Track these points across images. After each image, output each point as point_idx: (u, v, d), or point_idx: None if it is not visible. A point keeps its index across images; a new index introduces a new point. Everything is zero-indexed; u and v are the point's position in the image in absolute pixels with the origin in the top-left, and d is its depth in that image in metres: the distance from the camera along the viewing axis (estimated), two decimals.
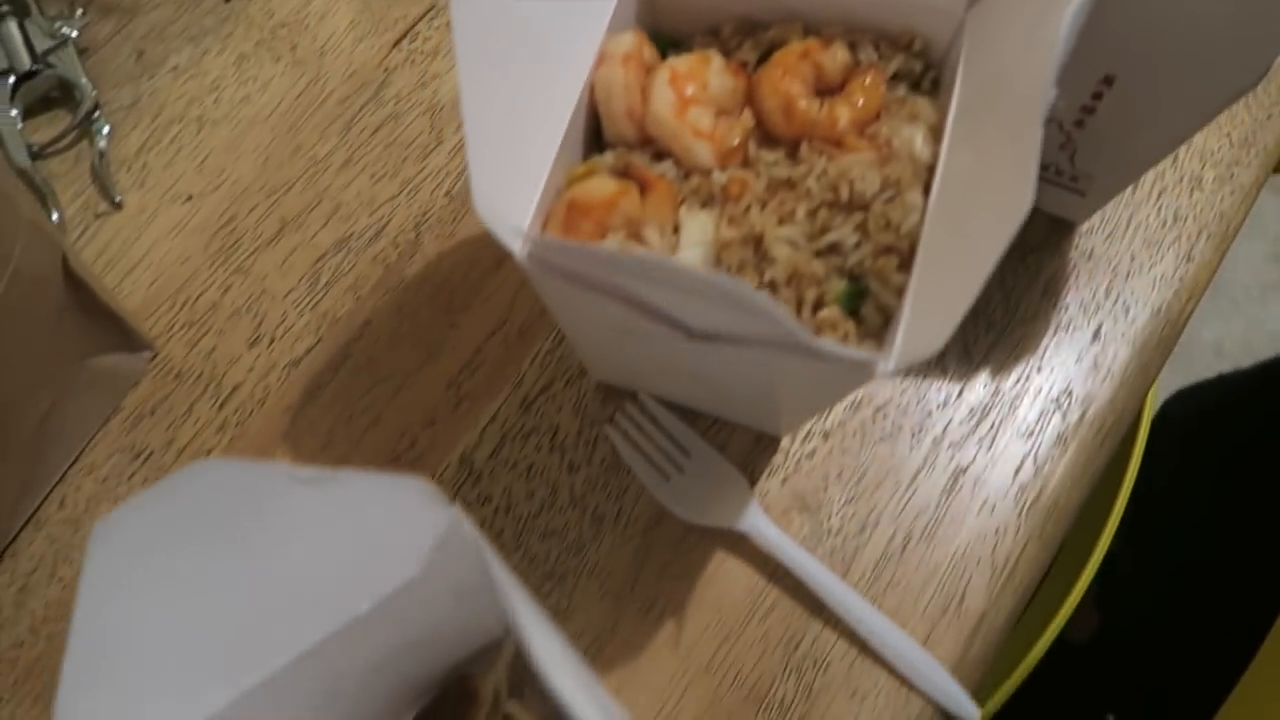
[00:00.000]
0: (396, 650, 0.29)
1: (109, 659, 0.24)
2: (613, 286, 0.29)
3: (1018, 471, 0.40)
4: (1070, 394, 0.41)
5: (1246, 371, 0.72)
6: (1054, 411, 0.41)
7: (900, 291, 0.31)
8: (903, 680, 0.36)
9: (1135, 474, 0.59)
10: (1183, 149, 0.45)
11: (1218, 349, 1.27)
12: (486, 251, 0.44)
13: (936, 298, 0.28)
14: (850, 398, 0.41)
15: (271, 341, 0.42)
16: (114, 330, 0.40)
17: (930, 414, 0.41)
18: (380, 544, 0.26)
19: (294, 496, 0.25)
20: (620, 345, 0.34)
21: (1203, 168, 0.45)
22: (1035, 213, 0.44)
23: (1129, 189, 0.44)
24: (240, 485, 0.25)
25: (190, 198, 0.45)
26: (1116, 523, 0.59)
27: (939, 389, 0.41)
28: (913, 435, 0.40)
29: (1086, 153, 0.38)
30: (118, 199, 0.44)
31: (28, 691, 0.37)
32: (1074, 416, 0.41)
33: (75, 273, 0.36)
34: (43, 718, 0.37)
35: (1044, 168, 0.40)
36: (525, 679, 0.34)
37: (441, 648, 0.32)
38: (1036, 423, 0.40)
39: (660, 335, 0.30)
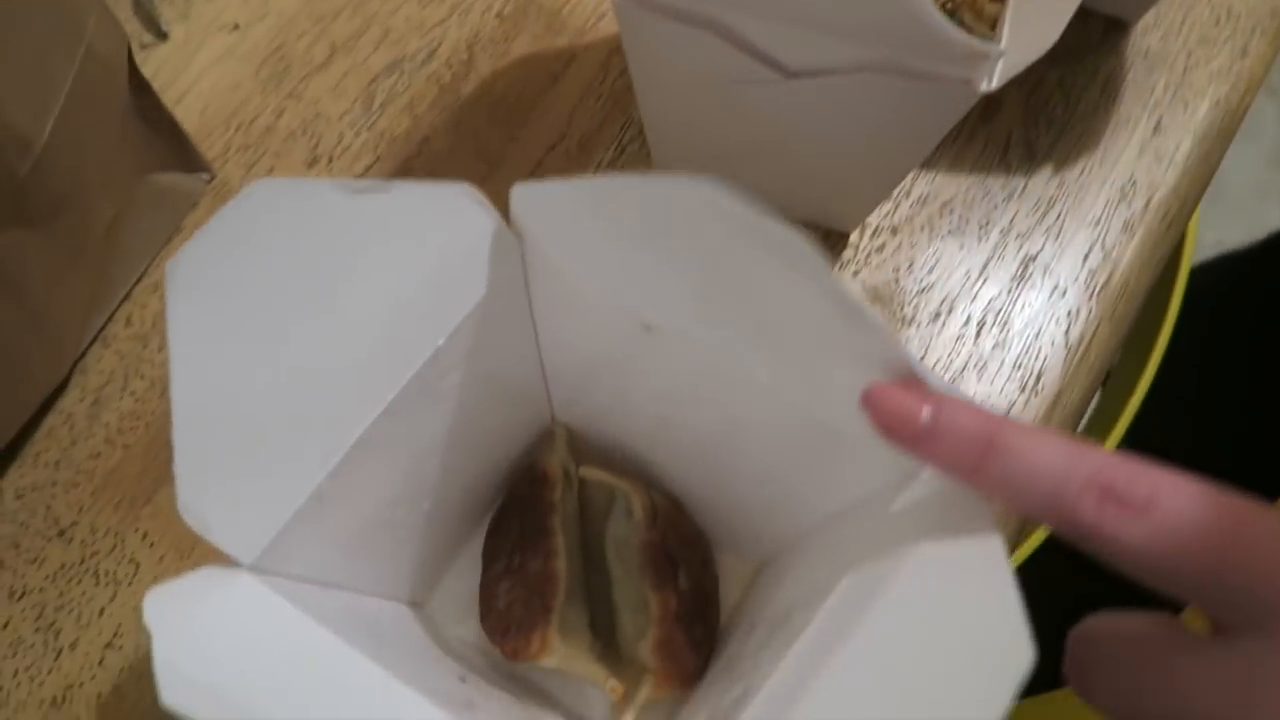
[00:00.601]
0: (466, 412, 0.29)
1: (214, 434, 0.23)
2: (710, 19, 0.29)
3: (1086, 257, 0.40)
4: (1134, 183, 0.41)
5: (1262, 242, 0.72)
6: (1119, 201, 0.41)
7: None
8: None
9: (1170, 330, 0.60)
10: None
11: (1219, 249, 1.28)
12: (542, 69, 0.43)
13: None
14: (916, 193, 0.41)
15: (330, 160, 0.42)
16: (173, 147, 0.39)
17: (996, 207, 0.41)
18: (440, 263, 0.26)
19: (349, 213, 0.24)
20: (701, 110, 0.34)
21: None
22: (1090, 14, 0.44)
23: None
24: (298, 205, 0.24)
25: (237, 26, 0.44)
26: (1147, 385, 0.60)
27: (1004, 184, 0.41)
28: (980, 228, 0.40)
29: None
30: (164, 29, 0.43)
31: (107, 500, 0.37)
32: (1139, 204, 0.41)
33: (139, 72, 0.36)
34: (123, 524, 0.36)
35: None
36: (584, 453, 0.34)
37: (498, 428, 0.32)
38: (1102, 211, 0.41)
39: (755, 77, 0.30)
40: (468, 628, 0.33)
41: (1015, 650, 0.17)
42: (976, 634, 0.18)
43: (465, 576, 0.34)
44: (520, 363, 0.31)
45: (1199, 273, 0.67)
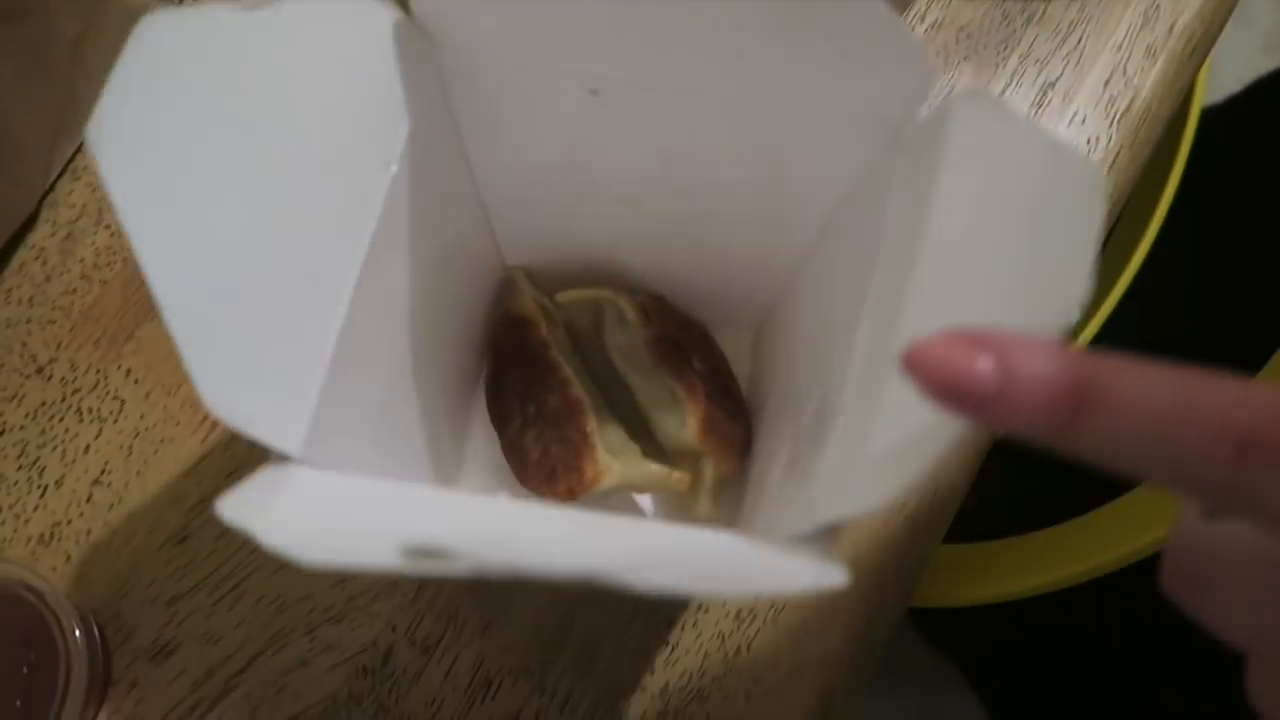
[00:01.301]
0: (425, 264, 0.26)
1: (213, 315, 0.19)
2: None
3: (1107, 83, 0.38)
4: (1158, 7, 0.39)
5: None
6: (1142, 25, 0.39)
7: None
8: None
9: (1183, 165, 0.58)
10: None
11: None
12: None
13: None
14: (931, 18, 0.39)
15: None
16: None
17: (1015, 32, 0.39)
18: (361, 80, 0.22)
19: (256, 38, 0.21)
20: None
21: None
22: None
23: None
24: (198, 40, 0.20)
25: None
26: (1160, 223, 0.59)
27: (1022, 8, 0.39)
28: (997, 53, 0.39)
29: None
30: None
31: (87, 337, 0.35)
32: (1163, 28, 0.39)
33: None
34: (104, 360, 0.35)
35: None
36: (548, 285, 0.33)
37: (454, 286, 0.30)
38: (1124, 36, 0.39)
39: None
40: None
41: (1088, 197, 0.16)
42: (1040, 192, 0.17)
43: (481, 455, 0.32)
44: (461, 205, 0.29)
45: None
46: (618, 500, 0.31)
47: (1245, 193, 0.58)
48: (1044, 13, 0.39)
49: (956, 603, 0.38)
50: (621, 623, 0.33)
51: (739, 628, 0.33)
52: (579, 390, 0.29)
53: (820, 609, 0.33)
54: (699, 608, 0.33)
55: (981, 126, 0.20)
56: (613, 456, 0.27)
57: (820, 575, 0.17)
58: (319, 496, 0.20)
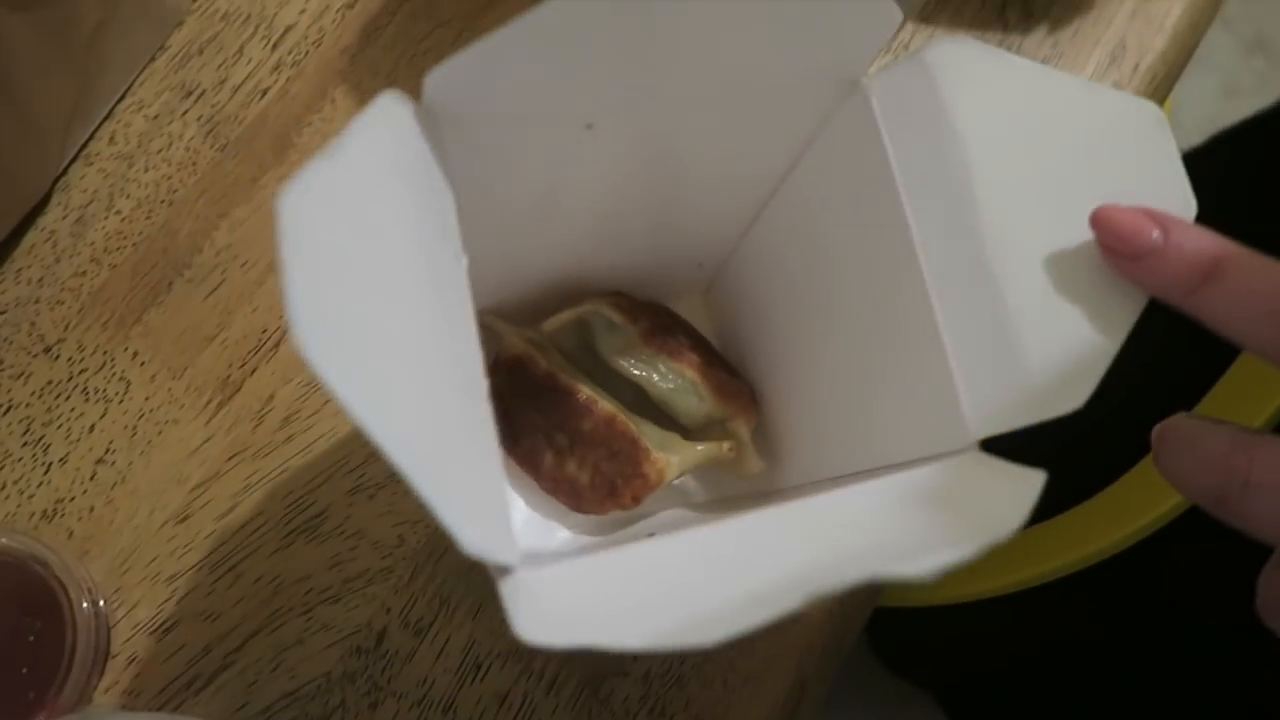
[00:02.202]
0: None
1: (429, 447, 0.19)
2: None
3: None
4: (1124, 46, 0.42)
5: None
6: (1109, 63, 0.42)
7: None
8: None
9: None
10: None
11: None
12: None
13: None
14: (914, 47, 0.41)
15: None
16: None
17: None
18: (424, 193, 0.22)
19: (356, 193, 0.20)
20: None
21: None
22: None
23: None
24: (333, 211, 0.19)
25: None
26: None
27: (1000, 41, 0.42)
28: None
29: None
30: None
31: (95, 319, 0.36)
32: (1128, 66, 0.42)
33: None
34: (111, 342, 0.36)
35: None
36: (516, 318, 0.34)
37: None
38: (1093, 72, 0.41)
39: None
40: (559, 537, 0.32)
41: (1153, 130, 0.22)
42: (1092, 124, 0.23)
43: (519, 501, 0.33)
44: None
45: None
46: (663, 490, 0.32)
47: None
48: (1019, 47, 0.41)
49: (920, 602, 0.40)
50: None
51: None
52: (606, 404, 0.30)
53: None
54: None
55: (973, 65, 0.23)
56: (664, 451, 0.29)
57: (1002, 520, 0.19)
58: (564, 591, 0.21)
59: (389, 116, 0.20)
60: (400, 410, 0.18)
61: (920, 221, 0.24)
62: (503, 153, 0.25)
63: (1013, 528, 0.18)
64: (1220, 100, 1.38)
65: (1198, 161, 0.67)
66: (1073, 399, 0.21)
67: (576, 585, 0.22)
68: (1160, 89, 0.42)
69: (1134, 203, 0.22)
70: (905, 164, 0.25)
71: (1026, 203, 0.23)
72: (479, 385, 0.22)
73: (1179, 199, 0.23)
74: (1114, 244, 0.21)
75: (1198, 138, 0.75)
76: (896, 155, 0.25)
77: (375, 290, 0.19)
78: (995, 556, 0.41)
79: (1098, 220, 0.22)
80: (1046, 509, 0.44)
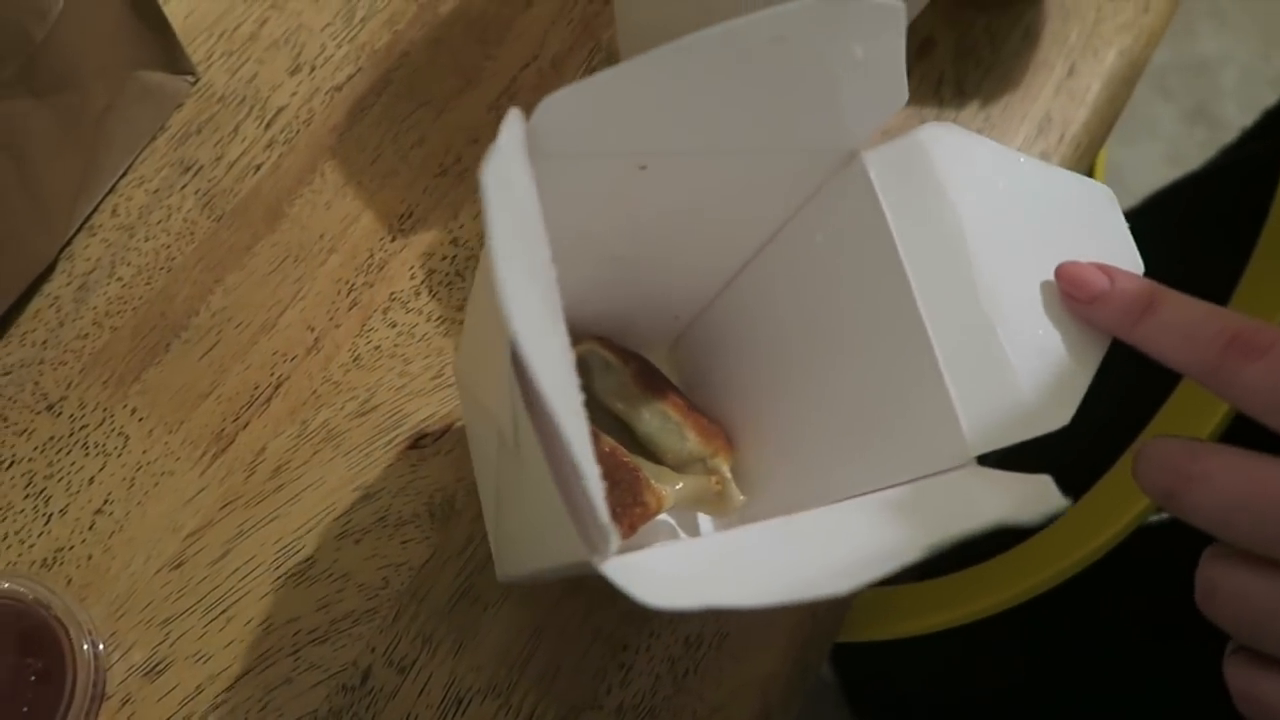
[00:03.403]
0: None
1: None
2: None
3: None
4: (1050, 119, 0.46)
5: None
6: (1037, 134, 0.45)
7: None
8: None
9: None
10: None
11: None
12: None
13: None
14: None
15: (312, 69, 0.44)
16: (163, 46, 0.40)
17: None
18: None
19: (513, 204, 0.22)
20: (677, 19, 0.37)
21: None
22: None
23: None
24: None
25: None
26: None
27: (936, 115, 0.45)
28: None
29: None
30: None
31: (95, 378, 0.38)
32: (1054, 137, 0.45)
33: None
34: (111, 400, 0.38)
35: None
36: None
37: None
38: (1022, 143, 0.45)
39: None
40: None
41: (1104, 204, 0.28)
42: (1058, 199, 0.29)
43: None
44: None
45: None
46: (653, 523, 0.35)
47: None
48: (954, 120, 0.45)
49: (878, 636, 0.42)
50: (580, 647, 0.36)
51: (688, 652, 0.36)
52: (608, 438, 0.33)
53: (761, 634, 0.37)
54: (651, 634, 0.37)
55: (958, 145, 0.28)
56: (664, 483, 0.32)
57: (1045, 492, 0.23)
58: (667, 567, 0.24)
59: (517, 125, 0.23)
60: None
61: (917, 272, 0.28)
62: (570, 189, 0.27)
63: (1059, 500, 0.22)
64: (1164, 168, 1.45)
65: (1137, 219, 0.72)
66: (1059, 418, 0.26)
67: (675, 563, 0.24)
68: (1085, 155, 0.46)
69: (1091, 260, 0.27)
70: (901, 223, 0.29)
71: (1009, 259, 0.28)
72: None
73: (1128, 260, 0.28)
74: (1072, 291, 0.26)
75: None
76: (893, 215, 0.29)
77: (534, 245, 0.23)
78: (950, 587, 0.44)
79: (1060, 273, 0.27)
80: (1001, 542, 0.47)
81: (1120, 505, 0.40)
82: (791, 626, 0.37)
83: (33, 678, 0.31)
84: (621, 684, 0.36)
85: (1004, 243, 0.28)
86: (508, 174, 0.21)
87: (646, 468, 0.32)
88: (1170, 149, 1.47)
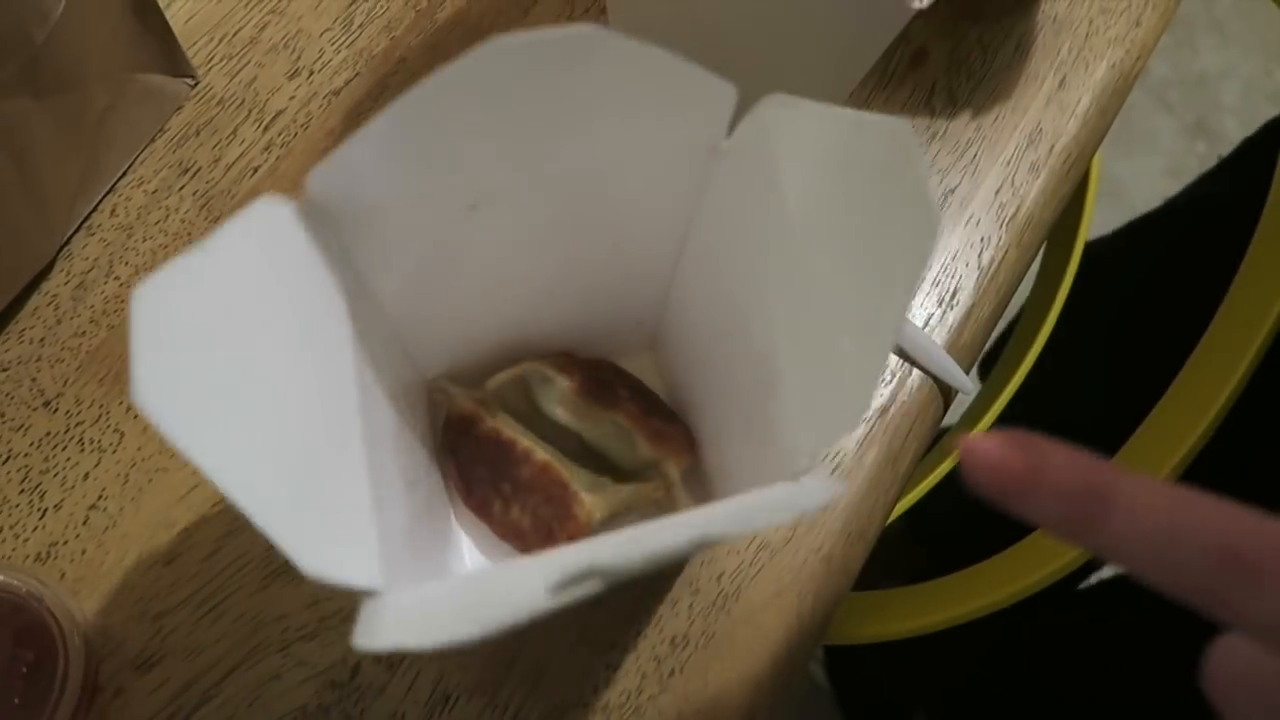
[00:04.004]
0: (387, 388, 0.31)
1: (272, 488, 0.22)
2: None
3: (998, 192, 0.45)
4: (1041, 130, 0.46)
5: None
6: (1027, 145, 0.46)
7: None
8: (911, 360, 0.41)
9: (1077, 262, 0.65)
10: None
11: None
12: (514, 1, 0.46)
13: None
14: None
15: (310, 74, 0.44)
16: (164, 49, 0.41)
17: (921, 146, 0.45)
18: (307, 277, 0.26)
19: (221, 281, 0.23)
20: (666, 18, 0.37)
21: None
22: None
23: None
24: (189, 297, 0.22)
25: None
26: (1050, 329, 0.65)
27: (928, 125, 0.46)
28: None
29: None
30: None
31: (92, 375, 0.39)
32: (1044, 148, 0.46)
33: None
34: (108, 397, 0.38)
35: None
36: (468, 379, 0.37)
37: (401, 388, 0.33)
38: (1013, 153, 0.46)
39: None
40: None
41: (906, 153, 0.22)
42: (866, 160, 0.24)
43: (475, 552, 0.36)
44: (390, 343, 0.32)
45: (1097, 245, 0.73)
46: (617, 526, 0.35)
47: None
48: (946, 130, 0.46)
49: (865, 639, 0.42)
50: (566, 646, 0.37)
51: (673, 652, 0.37)
52: (541, 452, 0.33)
53: (747, 636, 0.37)
54: (637, 633, 0.37)
55: (796, 120, 0.27)
56: (592, 494, 0.32)
57: (828, 489, 0.24)
58: (418, 605, 0.23)
59: (261, 216, 0.24)
60: (243, 458, 0.21)
61: (769, 267, 0.28)
62: (391, 236, 0.28)
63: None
64: (1165, 180, 1.45)
65: (1137, 233, 0.72)
66: (859, 412, 0.24)
67: (435, 596, 0.24)
68: (1075, 167, 0.46)
69: (892, 226, 0.22)
70: (753, 218, 0.29)
71: (832, 245, 0.26)
72: (354, 437, 0.26)
73: (922, 209, 0.22)
74: (981, 479, 0.19)
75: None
76: (746, 211, 0.29)
77: (228, 362, 0.22)
78: (942, 589, 0.44)
79: (963, 451, 0.20)
80: (982, 554, 0.47)
81: None
82: (777, 627, 0.37)
83: (25, 669, 0.32)
84: (607, 683, 0.36)
85: (826, 228, 0.26)
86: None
87: (583, 479, 0.33)
88: (1170, 162, 1.47)
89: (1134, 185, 1.44)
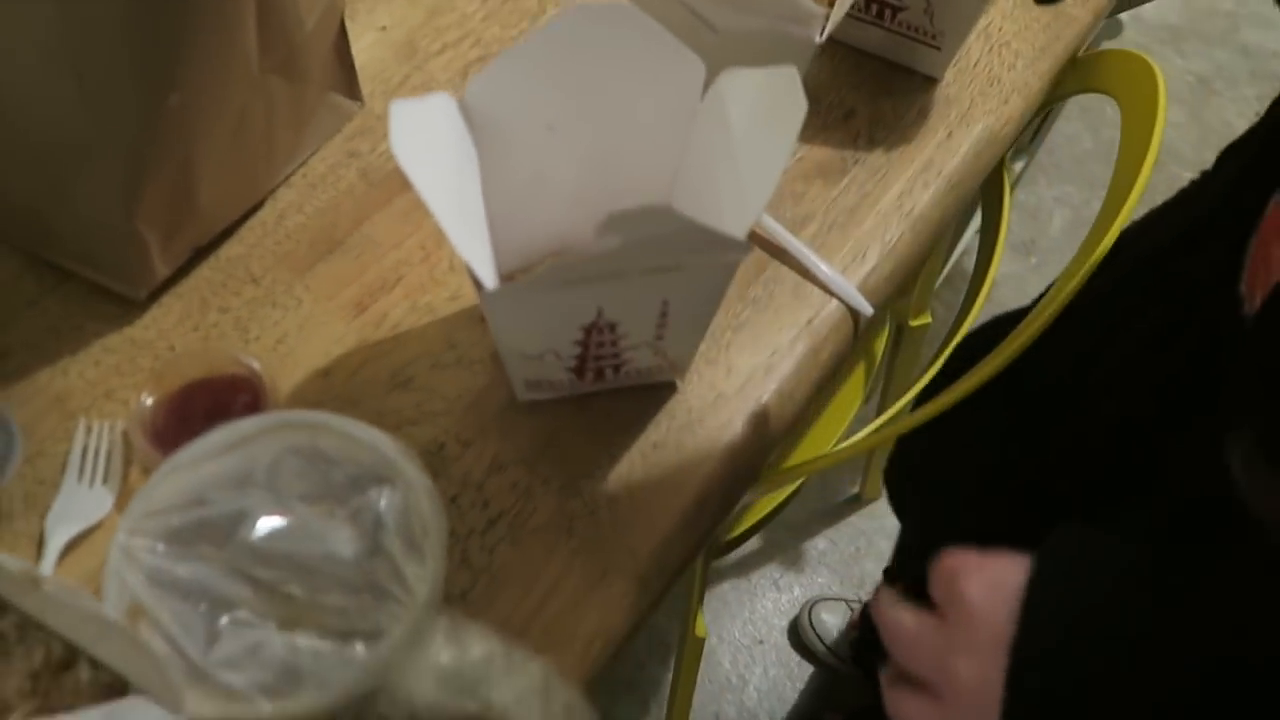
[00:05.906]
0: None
1: (455, 215, 0.47)
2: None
3: (900, 197, 0.65)
4: (932, 162, 0.67)
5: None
6: (923, 169, 0.66)
7: None
8: (829, 290, 0.60)
9: None
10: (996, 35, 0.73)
11: None
12: None
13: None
14: (799, 153, 0.66)
15: None
16: (349, 78, 0.64)
17: (847, 169, 0.66)
18: (463, 140, 0.50)
19: (436, 126, 0.49)
20: None
21: (1016, 59, 0.73)
22: (913, 72, 0.71)
23: (968, 59, 0.72)
24: (431, 121, 0.48)
25: (384, 28, 0.70)
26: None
27: (853, 156, 0.67)
28: (839, 174, 0.66)
29: (940, 13, 0.66)
30: None
31: (286, 266, 0.59)
32: (934, 173, 0.66)
33: (344, 23, 0.61)
34: (292, 278, 0.58)
35: (915, 30, 0.68)
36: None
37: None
38: (912, 174, 0.66)
39: (696, 27, 0.56)
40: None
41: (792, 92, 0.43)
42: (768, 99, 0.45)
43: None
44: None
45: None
46: None
47: None
48: (866, 159, 0.67)
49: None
50: (581, 439, 0.54)
51: (654, 450, 0.54)
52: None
53: (703, 442, 0.54)
54: (629, 434, 0.54)
55: (736, 80, 0.47)
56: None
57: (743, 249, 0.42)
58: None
59: (442, 100, 0.46)
60: (444, 195, 0.41)
61: (718, 168, 0.48)
62: (505, 140, 0.49)
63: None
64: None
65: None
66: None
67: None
68: (956, 189, 0.67)
69: (783, 114, 0.45)
70: (714, 141, 0.49)
71: (754, 134, 0.46)
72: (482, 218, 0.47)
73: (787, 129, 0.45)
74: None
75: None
76: (710, 140, 0.50)
77: (433, 145, 0.44)
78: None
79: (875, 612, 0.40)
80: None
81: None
82: (725, 440, 0.55)
83: (246, 398, 0.50)
84: (610, 462, 0.53)
85: (751, 149, 0.46)
86: (414, 146, 0.42)
87: None
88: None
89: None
